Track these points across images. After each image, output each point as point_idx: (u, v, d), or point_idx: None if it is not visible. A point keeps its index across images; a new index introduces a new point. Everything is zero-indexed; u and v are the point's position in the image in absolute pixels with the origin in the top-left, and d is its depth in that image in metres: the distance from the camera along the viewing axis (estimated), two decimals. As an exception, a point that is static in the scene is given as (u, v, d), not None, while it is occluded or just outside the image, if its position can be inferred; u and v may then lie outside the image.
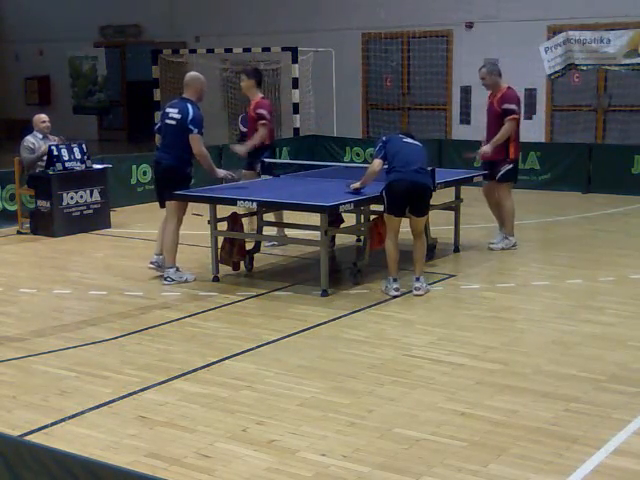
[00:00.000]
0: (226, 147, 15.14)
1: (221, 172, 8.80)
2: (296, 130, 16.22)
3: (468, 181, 9.82)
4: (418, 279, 7.99)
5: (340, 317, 7.28)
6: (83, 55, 22.68)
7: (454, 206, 9.72)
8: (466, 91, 16.97)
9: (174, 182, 8.43)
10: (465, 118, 17.04)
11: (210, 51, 17.30)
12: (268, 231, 9.11)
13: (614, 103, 15.78)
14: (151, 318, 7.34)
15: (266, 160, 10.00)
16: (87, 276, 8.92)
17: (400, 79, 17.93)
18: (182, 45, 19.61)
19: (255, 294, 8.06)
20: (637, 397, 5.47)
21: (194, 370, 6.06)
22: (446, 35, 17.21)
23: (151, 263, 8.73)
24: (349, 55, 17.72)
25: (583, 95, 15.76)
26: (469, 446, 4.78)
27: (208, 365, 6.16)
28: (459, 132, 16.83)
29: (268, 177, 9.87)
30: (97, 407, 5.42)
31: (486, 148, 9.43)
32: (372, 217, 8.64)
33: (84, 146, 11.14)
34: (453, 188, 9.71)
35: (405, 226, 8.13)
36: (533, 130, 15.87)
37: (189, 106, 8.36)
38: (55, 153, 10.73)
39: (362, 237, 8.94)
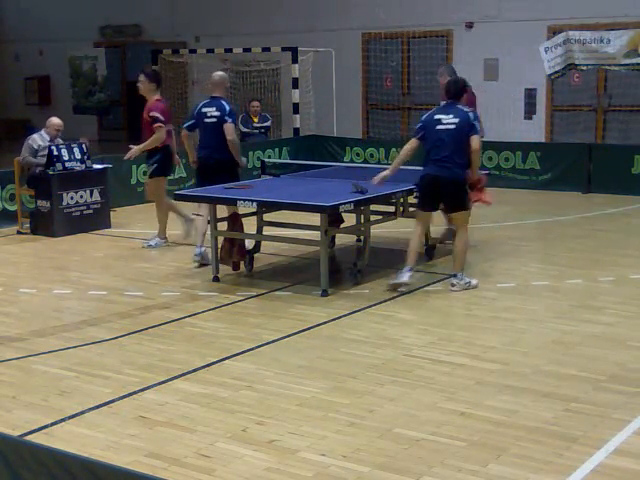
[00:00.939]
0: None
1: (244, 161, 9.71)
2: (296, 130, 16.23)
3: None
4: (455, 275, 8.10)
5: (340, 317, 7.29)
6: (83, 55, 22.68)
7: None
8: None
9: (230, 173, 9.18)
10: (465, 118, 17.01)
11: (210, 51, 17.30)
12: (268, 231, 9.10)
13: (614, 103, 15.78)
14: (151, 318, 7.34)
15: (266, 160, 10.00)
16: (87, 276, 8.92)
17: (400, 79, 17.92)
18: (182, 45, 19.62)
19: (255, 294, 8.06)
20: (637, 397, 5.48)
21: (194, 370, 6.06)
22: (446, 35, 17.21)
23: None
24: (349, 55, 17.72)
25: (583, 95, 15.77)
26: (469, 446, 4.78)
27: (208, 365, 6.16)
28: (459, 132, 16.80)
29: (268, 177, 9.87)
30: (97, 407, 5.42)
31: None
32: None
33: (84, 146, 11.14)
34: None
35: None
36: (533, 130, 15.90)
37: (224, 103, 9.28)
38: (55, 153, 10.73)
39: (362, 237, 8.94)
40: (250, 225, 9.02)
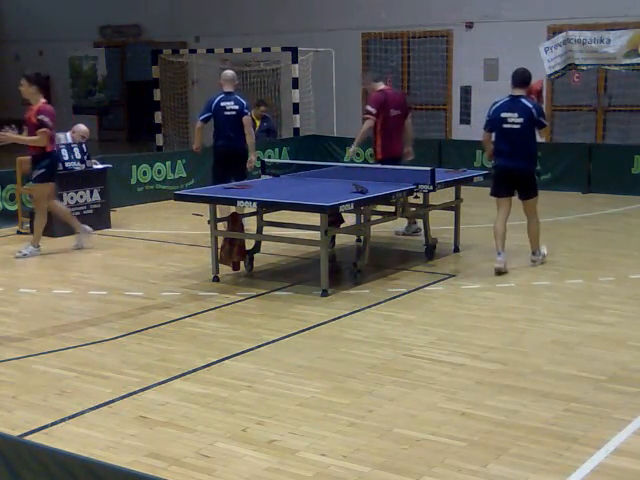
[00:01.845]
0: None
1: (254, 155, 10.61)
2: (296, 130, 16.23)
3: (468, 181, 9.83)
4: (534, 253, 8.92)
5: (340, 317, 7.29)
6: (83, 55, 22.69)
7: (454, 206, 9.73)
8: (466, 91, 16.98)
9: (245, 160, 10.45)
10: (465, 118, 17.05)
11: (210, 51, 17.30)
12: (268, 231, 9.10)
13: (614, 103, 15.79)
14: (151, 318, 7.34)
15: (266, 160, 10.00)
16: (87, 276, 8.92)
17: (400, 79, 17.92)
18: (182, 45, 19.62)
19: (255, 294, 8.06)
20: (637, 397, 5.48)
21: (194, 370, 6.06)
22: (446, 35, 17.22)
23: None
24: (349, 55, 17.72)
25: (583, 95, 15.77)
26: (469, 446, 4.78)
27: (208, 365, 6.16)
28: (459, 132, 16.84)
29: (268, 177, 9.87)
30: (97, 407, 5.41)
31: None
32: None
33: (84, 146, 11.14)
34: (453, 188, 9.72)
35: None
36: (533, 130, 15.86)
37: (239, 97, 10.54)
38: (55, 153, 10.72)
39: (362, 237, 8.94)
40: (250, 225, 9.02)
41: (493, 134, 8.82)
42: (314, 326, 7.04)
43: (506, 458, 4.63)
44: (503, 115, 8.64)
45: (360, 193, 8.15)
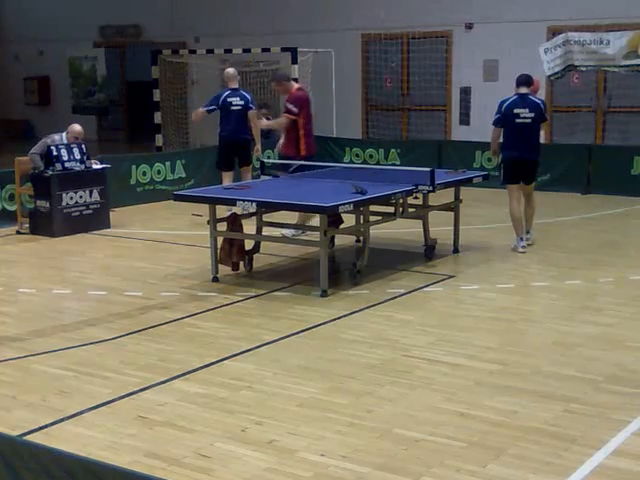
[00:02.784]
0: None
1: (259, 144, 11.87)
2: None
3: (467, 182, 9.83)
4: (528, 232, 9.75)
5: (339, 317, 7.29)
6: (83, 55, 22.67)
7: (453, 207, 9.72)
8: (466, 92, 16.98)
9: (250, 150, 11.76)
10: (464, 119, 17.04)
11: (210, 51, 17.29)
12: (267, 231, 9.10)
13: (613, 104, 15.79)
14: (150, 318, 7.34)
15: (265, 161, 10.01)
16: (86, 276, 8.93)
17: (400, 80, 17.92)
18: (182, 45, 19.60)
19: (254, 294, 8.06)
20: (636, 398, 5.48)
21: (193, 370, 6.06)
22: (446, 36, 17.22)
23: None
24: (349, 56, 17.72)
25: (583, 96, 15.77)
26: (468, 446, 4.78)
27: (207, 365, 6.16)
28: (459, 133, 16.83)
29: (267, 177, 9.88)
30: (96, 407, 5.42)
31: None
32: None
33: (84, 146, 11.14)
34: (452, 189, 9.72)
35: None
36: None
37: (244, 93, 11.71)
38: (54, 153, 10.73)
39: (361, 238, 8.94)
40: (250, 225, 9.03)
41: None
42: (313, 326, 7.05)
43: (505, 459, 4.63)
44: (516, 111, 9.41)
45: (359, 194, 8.15)
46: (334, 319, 7.24)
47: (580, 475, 4.45)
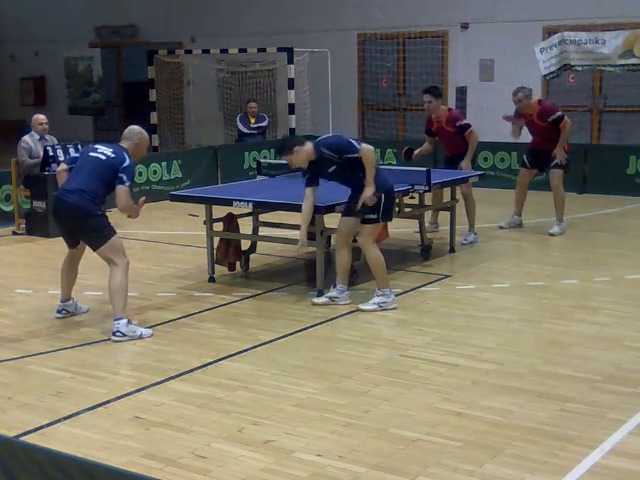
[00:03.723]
0: (222, 147, 15.19)
1: None
2: (292, 130, 16.21)
3: (464, 182, 9.83)
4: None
5: (336, 317, 7.29)
6: (79, 56, 22.63)
7: (450, 206, 9.73)
8: (462, 92, 16.97)
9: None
10: (461, 119, 17.02)
11: (206, 51, 17.29)
12: (264, 231, 9.10)
13: (609, 104, 15.81)
14: (147, 319, 7.34)
15: (261, 161, 9.99)
16: (82, 277, 8.88)
17: (396, 80, 17.92)
18: (178, 45, 19.59)
19: (251, 294, 8.06)
20: (632, 397, 5.49)
21: (190, 371, 6.05)
22: (442, 36, 17.23)
23: None
24: (345, 56, 17.72)
25: (578, 96, 15.78)
26: (465, 446, 4.79)
27: (204, 366, 6.16)
28: (455, 133, 16.81)
29: (264, 178, 9.87)
30: (93, 408, 5.41)
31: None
32: None
33: (80, 147, 11.12)
34: (449, 189, 9.73)
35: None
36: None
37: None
38: (51, 154, 10.72)
39: (358, 238, 8.92)
40: (246, 226, 9.02)
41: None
42: (310, 326, 7.05)
43: (502, 458, 4.64)
44: None
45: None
46: (330, 319, 7.24)
47: (576, 474, 4.45)
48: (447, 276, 8.65)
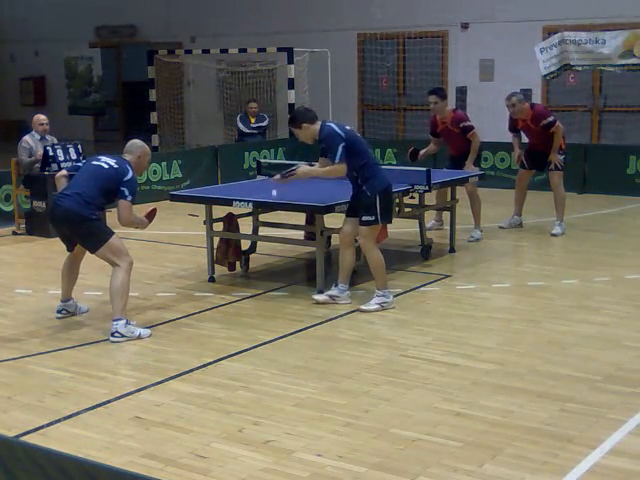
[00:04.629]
0: (222, 147, 15.18)
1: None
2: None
3: (464, 181, 9.84)
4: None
5: (336, 317, 7.29)
6: (79, 55, 22.66)
7: (450, 206, 9.73)
8: (462, 92, 16.99)
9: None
10: (461, 119, 17.03)
11: (206, 51, 17.29)
12: (264, 231, 9.10)
13: (609, 104, 15.81)
14: (147, 319, 7.34)
15: (261, 161, 9.99)
16: (83, 277, 8.88)
17: (396, 80, 17.94)
18: (178, 45, 19.60)
19: (251, 294, 8.06)
20: (632, 397, 5.49)
21: (190, 371, 6.05)
22: (442, 36, 17.24)
23: None
24: (345, 55, 17.73)
25: (578, 96, 15.79)
26: (465, 446, 4.78)
27: (204, 365, 6.16)
28: (455, 132, 16.82)
29: (264, 178, 9.87)
30: (93, 408, 5.41)
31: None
32: None
33: (80, 147, 11.13)
34: (449, 188, 9.73)
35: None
36: (529, 131, 15.88)
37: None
38: (50, 154, 10.72)
39: (358, 237, 8.92)
40: (246, 226, 9.02)
41: None
42: (310, 326, 7.05)
43: (502, 458, 4.64)
44: None
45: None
46: (331, 319, 7.24)
47: (576, 474, 4.45)
48: (447, 276, 8.65)
